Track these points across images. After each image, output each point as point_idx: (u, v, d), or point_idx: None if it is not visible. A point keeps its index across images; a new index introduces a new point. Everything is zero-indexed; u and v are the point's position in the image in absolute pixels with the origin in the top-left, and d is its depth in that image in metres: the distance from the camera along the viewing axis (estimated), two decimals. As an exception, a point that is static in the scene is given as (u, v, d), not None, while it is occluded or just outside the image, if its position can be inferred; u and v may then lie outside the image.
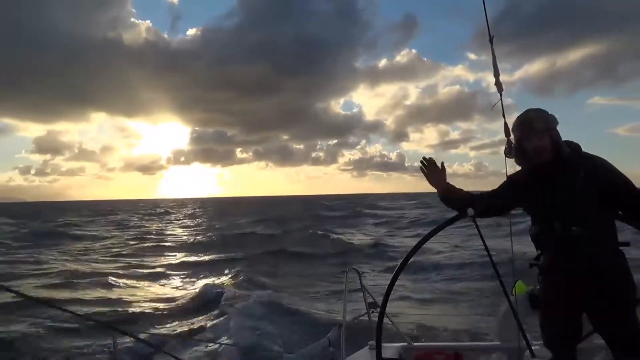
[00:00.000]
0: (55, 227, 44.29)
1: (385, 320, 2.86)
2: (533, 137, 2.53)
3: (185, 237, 36.40)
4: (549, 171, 2.55)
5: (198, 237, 34.95)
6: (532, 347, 1.67)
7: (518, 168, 2.78)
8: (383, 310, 1.93)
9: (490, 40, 2.88)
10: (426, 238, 1.90)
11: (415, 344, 4.15)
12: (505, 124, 2.87)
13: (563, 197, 2.49)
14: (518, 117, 2.63)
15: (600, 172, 2.51)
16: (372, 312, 3.93)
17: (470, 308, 12.46)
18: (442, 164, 2.87)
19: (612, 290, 2.45)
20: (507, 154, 2.87)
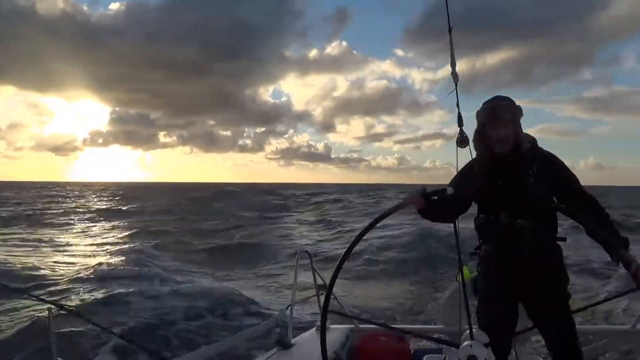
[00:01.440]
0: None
1: (335, 302, 2.90)
2: (500, 125, 2.52)
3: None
4: (505, 162, 2.58)
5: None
6: (473, 330, 1.72)
7: (468, 158, 2.83)
8: (330, 291, 1.94)
9: (449, 30, 2.90)
10: (377, 220, 1.91)
11: (361, 325, 4.23)
12: (459, 114, 2.90)
13: (513, 189, 2.54)
14: (487, 102, 2.60)
15: (551, 168, 2.59)
16: (322, 293, 3.97)
17: (416, 291, 12.81)
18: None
19: (549, 282, 2.58)
20: (459, 143, 2.92)
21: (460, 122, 2.93)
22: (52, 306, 2.20)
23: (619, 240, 2.39)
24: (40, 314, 7.52)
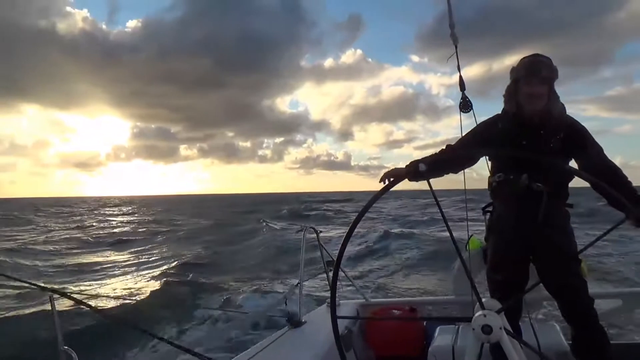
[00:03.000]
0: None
1: (343, 279, 2.85)
2: (537, 81, 2.42)
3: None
4: (533, 122, 2.50)
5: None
6: (482, 300, 1.66)
7: (472, 124, 2.75)
8: (337, 266, 1.89)
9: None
10: (381, 192, 1.85)
11: (372, 300, 4.20)
12: (460, 77, 2.83)
13: (538, 152, 2.46)
14: (526, 57, 2.50)
15: (578, 136, 2.51)
16: (330, 270, 3.93)
17: (425, 265, 12.84)
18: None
19: (560, 243, 2.53)
20: (462, 108, 2.85)
21: (462, 86, 2.86)
22: (54, 293, 2.15)
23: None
24: (44, 304, 7.57)
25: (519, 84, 2.50)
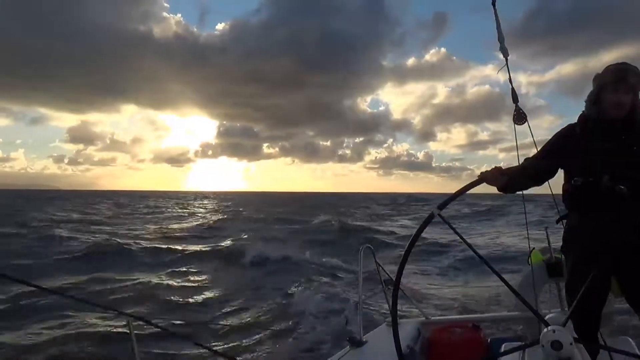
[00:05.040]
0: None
1: (402, 295, 2.83)
2: (621, 89, 2.40)
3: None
4: (614, 127, 2.46)
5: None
6: (549, 315, 1.62)
7: (525, 136, 2.71)
8: (397, 285, 1.89)
9: (493, 4, 2.80)
10: (453, 197, 1.86)
11: (432, 318, 4.14)
12: (513, 90, 2.81)
13: (620, 155, 2.39)
14: (612, 65, 2.48)
15: None
16: (388, 288, 3.91)
17: (486, 280, 12.46)
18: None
19: None
20: (516, 120, 2.82)
21: (514, 98, 2.84)
22: (132, 317, 2.27)
23: None
24: (120, 328, 7.89)
25: (603, 91, 2.47)
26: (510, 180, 2.43)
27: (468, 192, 2.18)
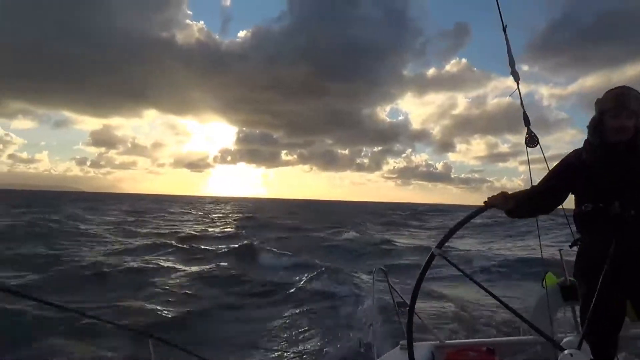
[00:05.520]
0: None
1: (415, 318, 2.82)
2: (622, 114, 2.41)
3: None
4: (618, 152, 2.46)
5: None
6: (563, 341, 1.62)
7: (538, 157, 2.73)
8: (412, 308, 1.91)
9: (504, 29, 2.84)
10: (453, 231, 1.87)
11: (447, 341, 4.10)
12: (525, 114, 2.83)
13: (628, 179, 2.40)
14: (612, 90, 2.49)
15: None
16: (401, 311, 3.90)
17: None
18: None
19: None
20: (528, 143, 2.83)
21: (526, 121, 2.86)
22: (152, 338, 2.30)
23: None
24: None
25: (605, 117, 2.48)
26: (516, 207, 2.47)
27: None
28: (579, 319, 3.17)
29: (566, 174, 2.59)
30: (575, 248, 2.74)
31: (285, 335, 10.03)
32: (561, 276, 3.69)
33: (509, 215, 2.56)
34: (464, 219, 2.07)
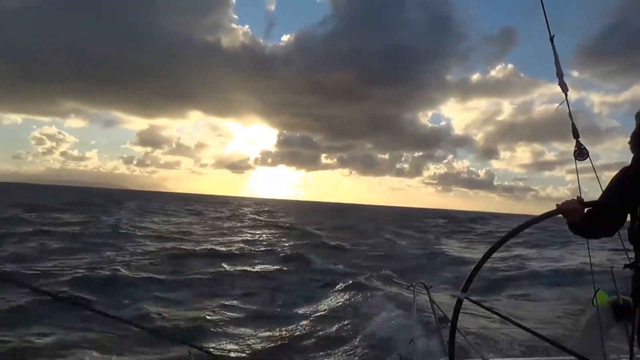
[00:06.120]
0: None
1: (457, 335, 2.76)
2: None
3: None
4: None
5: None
6: None
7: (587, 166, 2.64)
8: (454, 324, 1.87)
9: (551, 39, 2.78)
10: (501, 242, 1.82)
11: (490, 359, 3.99)
12: (573, 125, 2.75)
13: None
14: None
15: None
16: (443, 327, 3.82)
17: (544, 321, 11.87)
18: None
19: None
20: (577, 156, 2.75)
21: (575, 133, 2.77)
22: (192, 347, 2.34)
23: None
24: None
25: None
26: (585, 219, 2.37)
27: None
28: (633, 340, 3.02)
29: (623, 193, 2.46)
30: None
31: (320, 349, 9.98)
32: (613, 294, 3.53)
33: (571, 228, 2.47)
34: (488, 251, 2.01)
